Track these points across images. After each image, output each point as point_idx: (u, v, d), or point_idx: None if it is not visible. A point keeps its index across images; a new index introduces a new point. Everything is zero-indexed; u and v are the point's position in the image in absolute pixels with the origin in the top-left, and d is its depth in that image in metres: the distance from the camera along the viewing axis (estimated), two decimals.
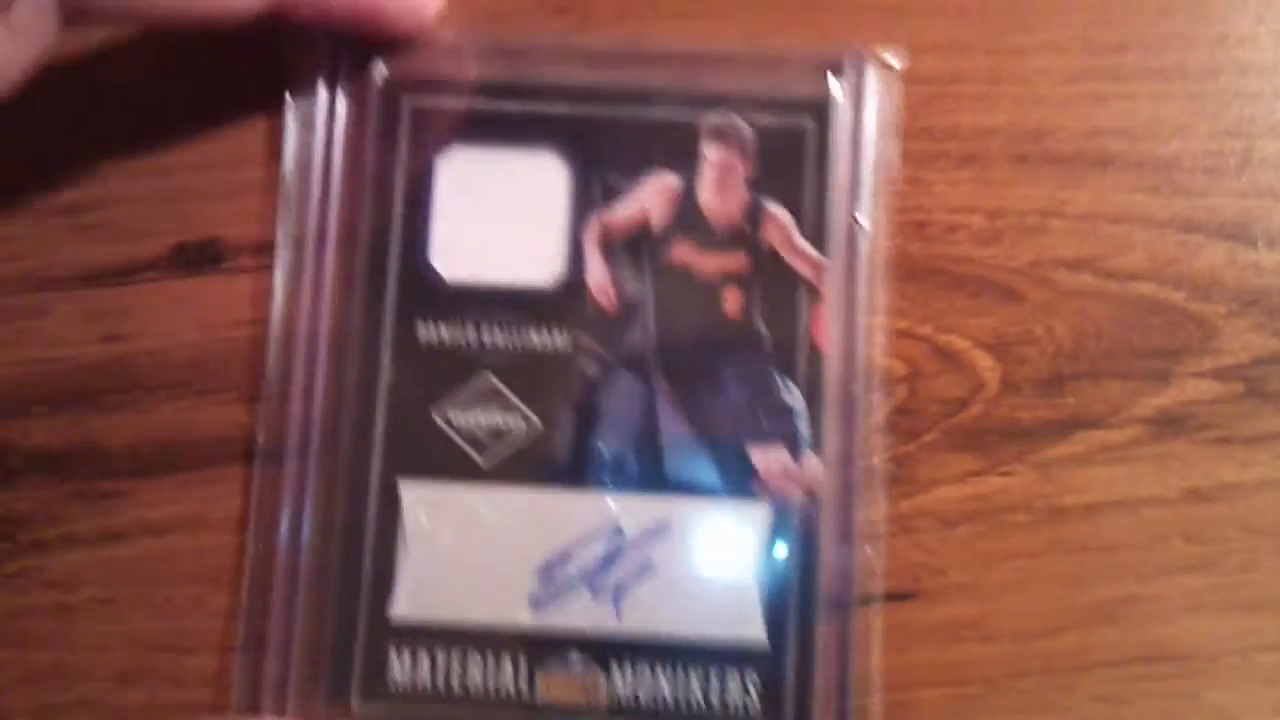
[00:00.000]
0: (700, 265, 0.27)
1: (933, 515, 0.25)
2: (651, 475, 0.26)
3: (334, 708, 0.26)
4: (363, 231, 0.26)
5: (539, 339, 0.27)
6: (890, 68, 0.27)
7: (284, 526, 0.26)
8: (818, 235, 0.27)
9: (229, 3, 0.24)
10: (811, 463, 0.26)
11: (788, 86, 0.27)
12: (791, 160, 0.27)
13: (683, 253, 0.27)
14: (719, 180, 0.28)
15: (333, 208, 0.27)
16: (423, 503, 0.26)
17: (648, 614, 0.26)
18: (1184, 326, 0.25)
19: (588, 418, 0.27)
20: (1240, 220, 0.26)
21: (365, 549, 0.26)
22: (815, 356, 0.27)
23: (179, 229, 0.28)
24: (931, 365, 0.25)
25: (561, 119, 0.27)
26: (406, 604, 0.26)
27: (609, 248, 0.27)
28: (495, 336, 0.27)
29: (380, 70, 0.27)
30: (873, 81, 0.27)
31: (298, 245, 0.27)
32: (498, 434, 0.27)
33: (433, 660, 0.26)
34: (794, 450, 0.26)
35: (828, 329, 0.27)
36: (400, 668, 0.26)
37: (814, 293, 0.27)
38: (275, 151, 0.28)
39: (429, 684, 0.26)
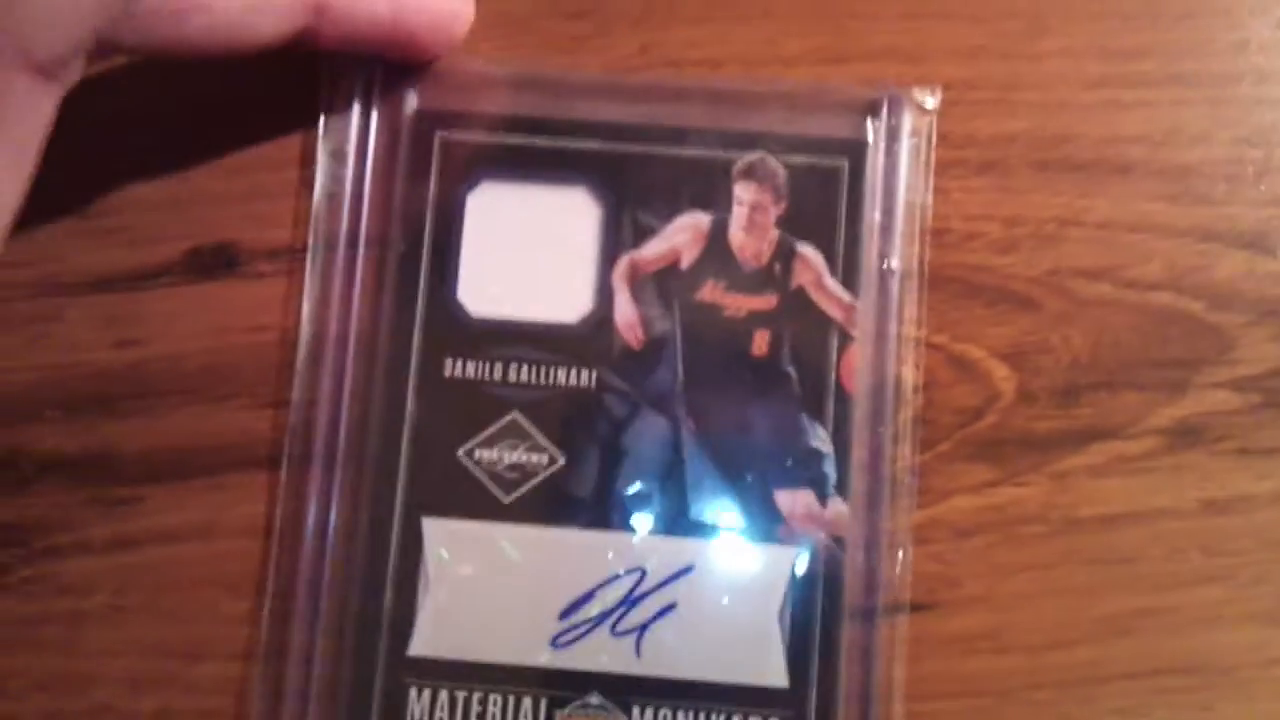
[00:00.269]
0: (729, 305, 0.27)
1: (948, 526, 0.25)
2: (676, 516, 0.26)
3: None
4: (391, 260, 0.27)
5: (565, 377, 0.27)
6: (925, 110, 0.27)
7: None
8: (849, 277, 0.27)
9: (254, 32, 0.24)
10: (837, 507, 0.26)
11: (822, 126, 0.27)
12: (824, 201, 0.27)
13: (712, 292, 0.27)
14: (750, 220, 0.28)
15: (362, 237, 0.27)
16: (445, 539, 0.26)
17: (669, 656, 0.26)
18: (1202, 337, 0.25)
19: (613, 457, 0.27)
20: (1260, 229, 0.26)
21: (386, 584, 0.26)
22: (843, 399, 0.27)
23: (193, 233, 0.28)
24: (947, 375, 0.25)
25: (594, 155, 0.27)
26: (426, 641, 0.26)
27: (638, 286, 0.27)
28: (521, 373, 0.27)
29: (412, 102, 0.27)
30: (908, 123, 0.28)
31: (328, 253, 0.28)
32: (522, 471, 0.27)
33: (451, 699, 0.26)
34: (820, 494, 0.26)
35: (857, 372, 0.27)
36: (419, 706, 0.26)
37: (844, 335, 0.27)
38: (293, 158, 0.28)
39: None
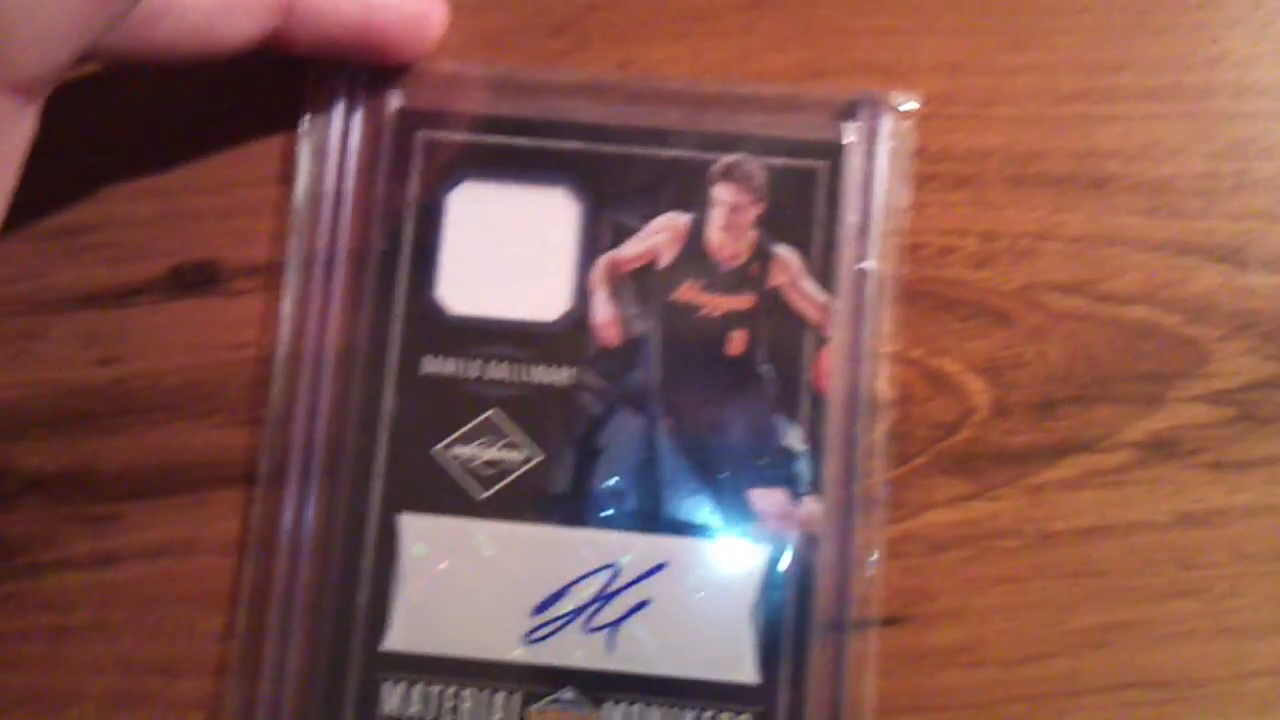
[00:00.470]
0: (706, 304, 0.27)
1: (922, 540, 0.25)
2: (650, 513, 0.27)
3: None
4: (371, 260, 0.27)
5: (543, 374, 0.27)
6: (903, 113, 0.28)
7: (283, 550, 0.27)
8: (825, 278, 0.27)
9: (224, 35, 0.24)
10: (810, 506, 0.26)
11: (801, 129, 0.28)
12: (802, 203, 0.27)
13: (689, 292, 0.28)
14: (729, 220, 0.28)
15: (342, 236, 0.27)
16: (421, 535, 0.27)
17: (642, 652, 0.26)
18: (1177, 350, 0.25)
19: (589, 454, 0.27)
20: (1235, 243, 0.26)
21: (361, 579, 0.26)
22: (818, 399, 0.27)
23: (176, 251, 0.28)
24: (923, 389, 0.25)
25: (574, 156, 0.27)
26: (401, 636, 0.26)
27: (616, 285, 0.28)
28: (499, 370, 0.27)
29: (395, 101, 0.27)
30: (886, 126, 0.28)
31: (306, 268, 0.27)
32: (498, 468, 0.27)
33: (425, 693, 0.26)
34: (793, 493, 0.27)
35: (831, 372, 0.27)
36: (392, 700, 0.26)
37: (819, 336, 0.27)
38: (274, 174, 0.28)
39: (421, 717, 0.26)
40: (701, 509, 0.27)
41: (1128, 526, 0.25)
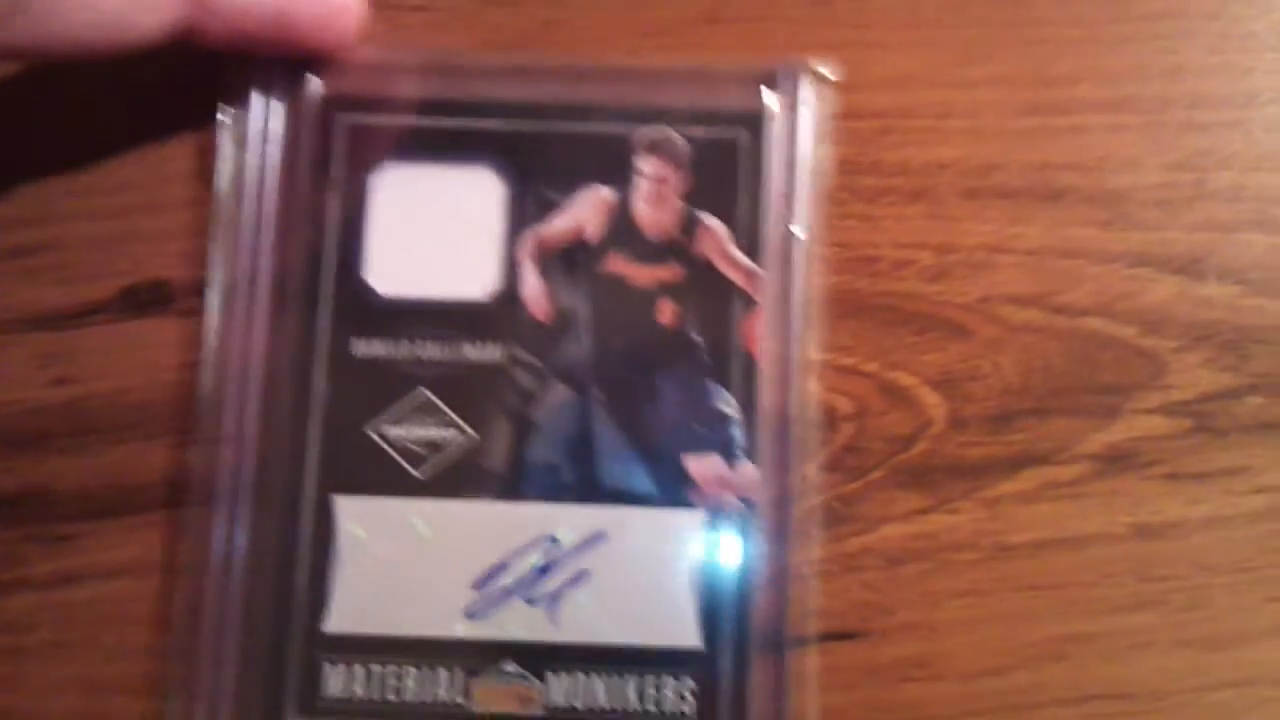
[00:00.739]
0: (635, 276, 0.28)
1: (879, 554, 0.25)
2: (587, 485, 0.28)
3: None
4: (298, 248, 0.28)
5: (474, 352, 0.28)
6: (824, 79, 0.29)
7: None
8: (752, 245, 0.28)
9: (133, 29, 0.24)
10: (746, 470, 0.28)
11: (722, 99, 0.29)
12: (726, 172, 0.28)
13: (618, 264, 0.29)
14: (653, 193, 0.29)
15: (267, 225, 0.28)
16: (357, 516, 0.28)
17: (584, 622, 0.27)
18: (1133, 362, 0.26)
19: (523, 429, 0.28)
20: (1192, 254, 0.26)
21: (299, 564, 0.27)
22: (749, 365, 0.28)
23: (128, 271, 0.29)
24: (879, 403, 0.26)
25: (496, 135, 0.29)
26: (341, 617, 0.27)
27: (544, 261, 0.29)
28: (430, 350, 0.28)
29: (315, 87, 0.29)
30: (807, 93, 0.29)
31: (230, 262, 0.28)
32: (433, 447, 0.28)
33: (368, 673, 0.27)
34: (729, 458, 0.28)
35: (762, 338, 0.28)
36: (335, 681, 0.27)
37: (748, 302, 0.28)
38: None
39: (364, 696, 0.27)
40: (638, 478, 0.28)
41: (1085, 539, 0.26)
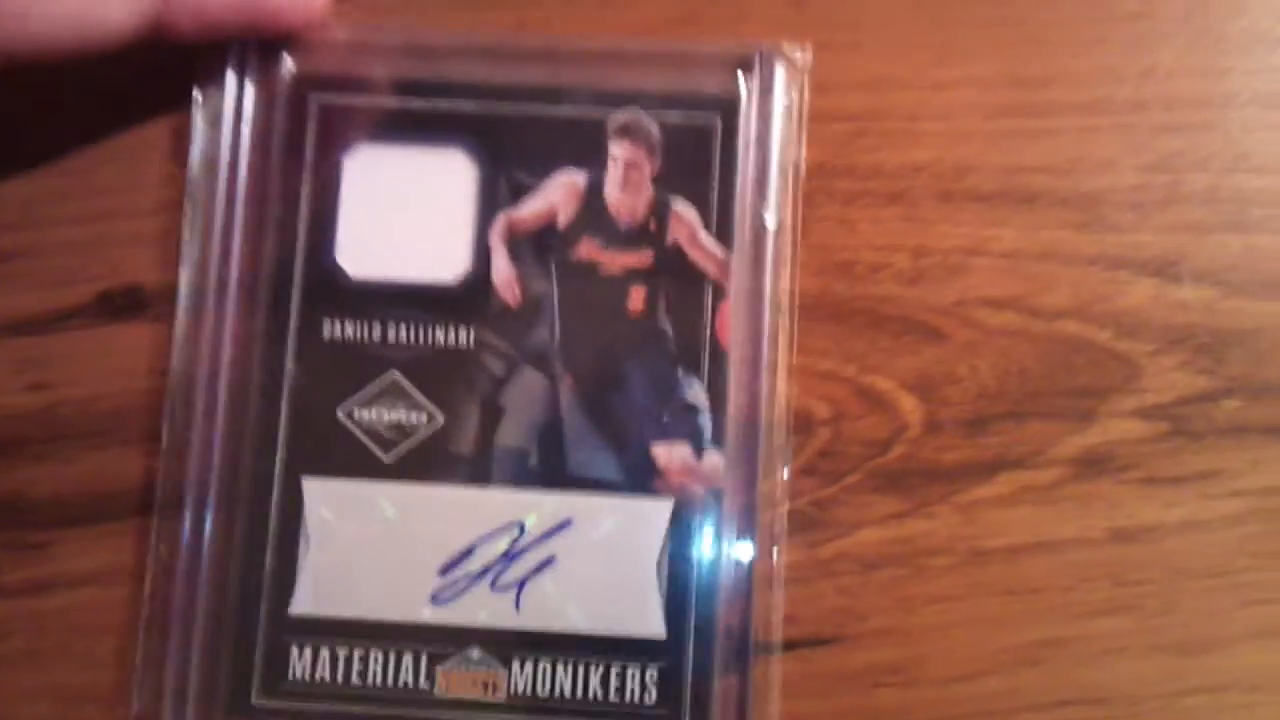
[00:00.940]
0: (606, 262, 0.29)
1: (854, 559, 0.26)
2: (555, 471, 0.29)
3: (235, 706, 0.28)
4: (269, 229, 0.29)
5: (444, 336, 0.29)
6: (796, 65, 0.29)
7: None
8: (724, 232, 0.29)
9: (100, 26, 0.25)
10: (713, 459, 0.29)
11: (695, 84, 0.29)
12: (698, 157, 0.29)
13: (588, 250, 0.29)
14: (625, 178, 0.29)
15: (239, 204, 0.29)
16: (325, 499, 0.29)
17: (549, 609, 0.28)
18: (1109, 365, 0.26)
19: (492, 414, 0.29)
20: (1167, 256, 0.26)
21: (267, 547, 0.28)
22: (719, 354, 0.29)
23: (103, 276, 0.30)
24: (855, 407, 0.26)
25: (469, 117, 0.29)
26: (307, 600, 0.28)
27: (515, 245, 0.29)
28: (400, 333, 0.29)
29: (288, 67, 0.29)
30: (780, 78, 0.29)
31: (203, 240, 0.29)
32: (402, 431, 0.29)
33: (333, 656, 0.28)
34: (696, 447, 0.29)
35: (731, 326, 0.29)
36: (301, 664, 0.28)
37: (718, 290, 0.29)
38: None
39: (330, 679, 0.28)
40: (605, 466, 0.29)
41: (1061, 543, 0.26)
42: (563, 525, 0.28)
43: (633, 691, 0.28)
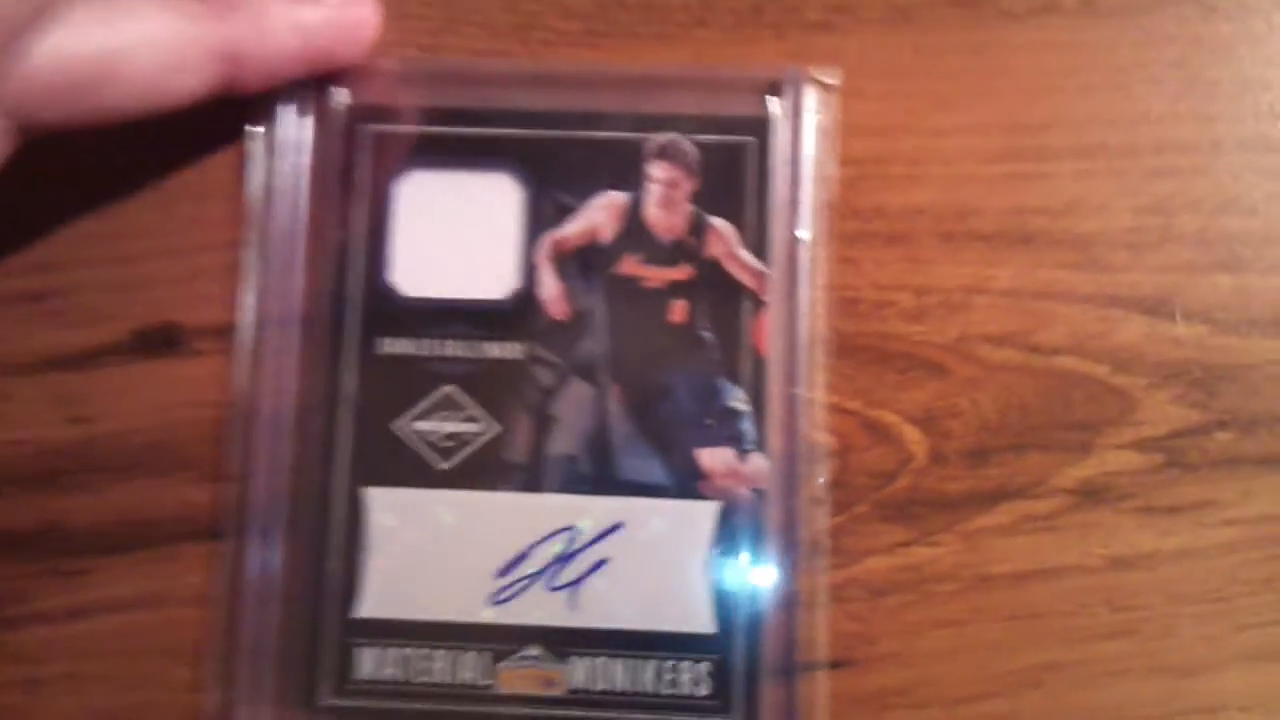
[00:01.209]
0: (648, 277, 0.31)
1: (863, 585, 0.27)
2: (604, 477, 0.30)
3: (304, 704, 0.29)
4: (327, 254, 0.31)
5: (496, 350, 0.30)
6: (826, 86, 0.31)
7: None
8: (759, 247, 0.31)
9: (171, 92, 0.27)
10: (756, 462, 0.31)
11: (728, 106, 0.31)
12: (733, 176, 0.31)
13: (631, 266, 0.31)
14: (664, 196, 0.31)
15: (299, 230, 0.30)
16: (387, 507, 0.30)
17: (603, 608, 0.30)
18: (1105, 399, 0.27)
19: (543, 423, 0.31)
20: (1160, 295, 0.28)
21: (331, 554, 0.30)
22: (758, 361, 0.30)
23: (139, 314, 0.32)
24: (862, 439, 0.27)
25: (514, 141, 0.31)
26: (371, 603, 0.30)
27: (561, 262, 0.31)
28: (454, 348, 0.30)
29: (341, 99, 0.32)
30: (810, 100, 0.31)
31: (264, 263, 0.30)
32: (458, 441, 0.30)
33: (398, 655, 0.29)
34: (739, 450, 0.30)
35: (769, 335, 0.30)
36: (367, 663, 0.29)
37: (756, 301, 0.31)
38: (231, 239, 0.33)
39: (395, 678, 0.29)
40: (653, 470, 0.30)
41: (1062, 570, 0.27)
42: (614, 528, 0.31)
43: (686, 684, 0.29)
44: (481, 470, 0.31)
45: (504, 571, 0.30)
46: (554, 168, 0.32)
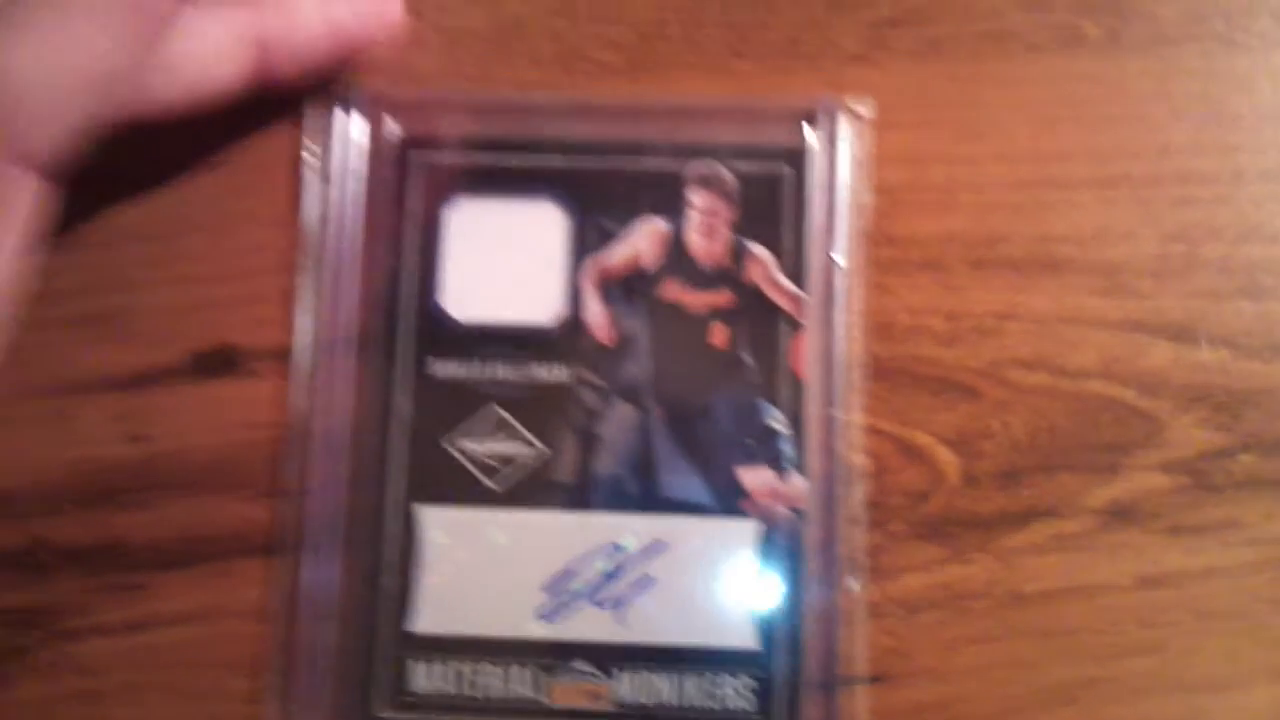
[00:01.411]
0: (689, 302, 0.32)
1: (898, 602, 0.27)
2: (648, 496, 0.31)
3: (358, 717, 0.30)
4: (379, 279, 0.32)
5: (543, 372, 0.31)
6: (860, 116, 0.32)
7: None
8: (796, 273, 0.32)
9: (214, 84, 0.27)
10: (795, 480, 0.31)
11: (766, 136, 0.32)
12: (771, 204, 0.32)
13: (673, 291, 0.32)
14: (705, 224, 0.32)
15: (353, 254, 0.31)
16: (439, 525, 0.31)
17: (649, 624, 0.31)
18: (1133, 422, 0.28)
19: (589, 444, 0.31)
20: (1185, 321, 0.28)
21: (385, 570, 0.31)
22: (796, 384, 0.31)
23: (197, 336, 0.33)
24: (896, 460, 0.28)
25: (558, 171, 0.32)
26: (426, 619, 0.31)
27: (605, 288, 0.32)
28: (502, 371, 0.31)
29: (392, 129, 0.33)
30: (845, 129, 0.32)
31: (321, 288, 0.31)
32: (507, 461, 0.31)
33: (450, 670, 0.30)
34: (778, 470, 0.31)
35: (807, 358, 0.31)
36: (421, 677, 0.30)
37: (794, 325, 0.32)
38: (286, 263, 0.36)
39: (448, 691, 0.30)
40: (695, 489, 0.31)
41: (1092, 588, 0.28)
42: (658, 545, 0.32)
43: (730, 698, 0.30)
44: (530, 489, 0.31)
45: (552, 588, 0.30)
46: (597, 195, 0.33)
